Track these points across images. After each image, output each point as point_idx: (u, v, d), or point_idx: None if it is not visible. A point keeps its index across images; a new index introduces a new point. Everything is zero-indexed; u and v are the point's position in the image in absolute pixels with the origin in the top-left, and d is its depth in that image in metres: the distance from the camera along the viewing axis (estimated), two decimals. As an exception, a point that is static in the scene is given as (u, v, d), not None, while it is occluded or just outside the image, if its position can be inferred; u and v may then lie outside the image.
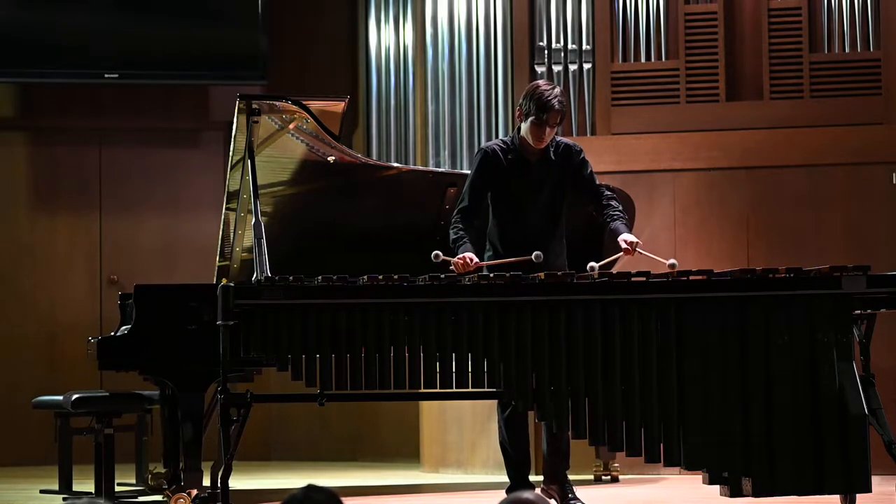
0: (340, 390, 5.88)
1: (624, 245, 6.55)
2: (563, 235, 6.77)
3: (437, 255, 6.48)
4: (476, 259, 6.50)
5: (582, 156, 6.75)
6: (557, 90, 6.59)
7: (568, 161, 6.71)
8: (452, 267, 6.50)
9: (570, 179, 6.72)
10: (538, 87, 6.63)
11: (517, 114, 6.69)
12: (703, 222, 8.88)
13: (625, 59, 9.11)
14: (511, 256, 6.56)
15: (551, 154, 6.69)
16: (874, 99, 8.84)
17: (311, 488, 3.34)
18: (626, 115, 9.06)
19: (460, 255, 6.51)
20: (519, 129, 6.70)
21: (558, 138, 6.77)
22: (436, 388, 5.87)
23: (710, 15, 9.02)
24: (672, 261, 6.22)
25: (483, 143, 6.76)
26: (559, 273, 5.97)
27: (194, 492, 6.75)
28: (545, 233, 6.69)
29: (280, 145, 7.20)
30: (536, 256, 6.42)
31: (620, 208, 6.74)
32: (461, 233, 6.61)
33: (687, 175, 8.93)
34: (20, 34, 9.86)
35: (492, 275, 6.02)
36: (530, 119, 6.58)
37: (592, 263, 6.16)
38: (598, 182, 6.80)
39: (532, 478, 6.93)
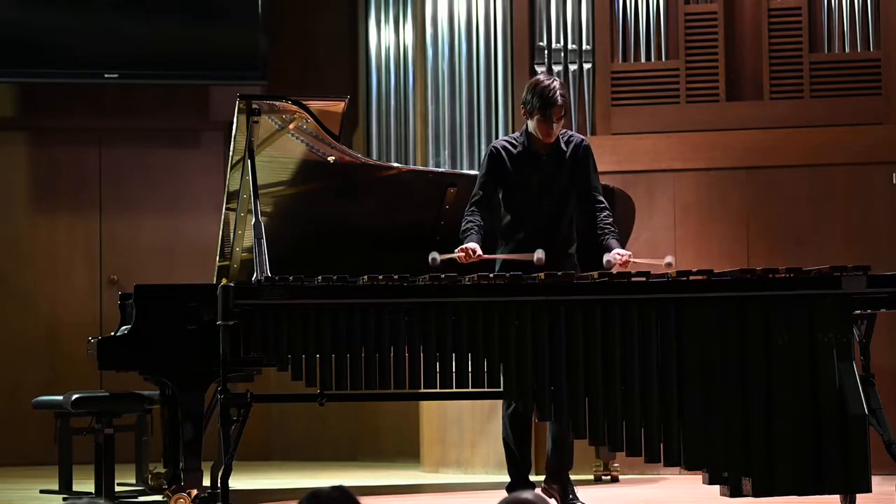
0: (340, 390, 5.88)
1: (618, 260, 6.56)
2: (574, 228, 6.79)
3: (433, 260, 6.46)
4: (479, 251, 6.53)
5: (588, 151, 6.79)
6: (557, 83, 6.66)
7: (576, 154, 6.75)
8: (457, 259, 6.53)
9: (577, 174, 6.75)
10: (539, 82, 6.70)
11: (522, 112, 6.76)
12: (703, 222, 8.88)
13: (625, 59, 9.11)
14: (523, 250, 6.57)
15: (562, 146, 6.74)
16: (874, 99, 8.84)
17: (337, 488, 3.39)
18: (626, 115, 9.06)
19: (461, 248, 6.54)
20: (527, 125, 6.74)
21: (570, 133, 6.82)
22: (436, 388, 5.87)
23: (710, 15, 9.02)
24: (668, 259, 6.30)
25: (492, 142, 6.83)
26: (559, 273, 5.97)
27: (194, 492, 6.74)
28: (557, 226, 6.71)
29: (280, 145, 7.20)
30: (538, 260, 6.42)
31: (611, 220, 6.75)
32: (470, 223, 6.64)
33: (687, 175, 8.93)
34: (20, 34, 9.86)
35: (492, 275, 6.03)
36: (535, 116, 6.63)
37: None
38: (596, 186, 6.79)
39: (532, 477, 6.94)
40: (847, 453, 5.73)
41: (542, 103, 6.61)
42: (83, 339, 7.81)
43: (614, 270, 6.51)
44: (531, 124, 6.70)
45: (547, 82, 6.67)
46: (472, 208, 6.71)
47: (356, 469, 9.58)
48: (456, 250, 6.55)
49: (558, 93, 6.62)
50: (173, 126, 10.49)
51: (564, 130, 6.81)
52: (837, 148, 8.78)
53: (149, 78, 10.07)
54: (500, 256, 6.62)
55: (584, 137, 6.86)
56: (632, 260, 6.60)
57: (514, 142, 6.78)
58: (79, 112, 10.36)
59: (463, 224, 6.67)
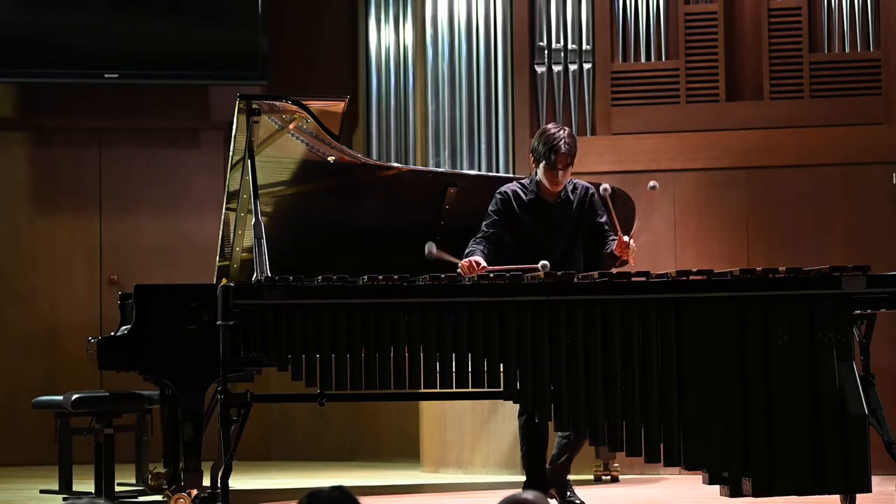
0: (340, 390, 5.88)
1: (622, 247, 6.60)
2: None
3: (430, 253, 6.46)
4: (483, 263, 6.54)
5: (594, 197, 6.84)
6: (565, 132, 6.70)
7: (583, 203, 6.80)
8: (459, 270, 6.53)
9: (585, 221, 6.78)
10: (546, 130, 6.77)
11: (530, 160, 6.82)
12: (703, 222, 8.88)
13: (625, 59, 9.11)
14: None
15: (570, 195, 6.78)
16: (874, 99, 8.85)
17: (337, 489, 3.39)
18: (626, 115, 9.06)
19: (467, 259, 6.56)
20: (536, 173, 6.77)
21: (578, 181, 6.87)
22: (436, 388, 5.87)
23: (710, 15, 9.03)
24: (651, 183, 6.41)
25: (503, 186, 6.86)
26: (559, 273, 5.98)
27: (194, 492, 6.75)
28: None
29: (280, 145, 7.20)
30: (543, 266, 6.43)
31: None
32: (475, 247, 6.68)
33: (687, 175, 8.93)
34: (20, 34, 9.86)
35: (492, 275, 6.03)
36: (542, 164, 6.67)
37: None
38: (606, 227, 6.84)
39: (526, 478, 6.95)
40: (847, 453, 5.73)
41: (547, 150, 6.66)
42: (83, 339, 7.81)
43: (615, 250, 6.56)
44: (539, 171, 6.74)
45: (553, 131, 6.71)
46: (479, 239, 6.75)
47: (356, 469, 9.58)
48: (460, 262, 6.55)
49: (564, 141, 6.65)
50: (173, 126, 10.49)
51: (571, 179, 6.84)
52: (837, 148, 8.78)
53: (149, 78, 10.07)
54: (503, 268, 6.58)
55: (589, 185, 6.88)
56: (632, 242, 6.63)
57: (524, 189, 6.82)
58: (79, 112, 10.36)
59: (468, 249, 6.69)
